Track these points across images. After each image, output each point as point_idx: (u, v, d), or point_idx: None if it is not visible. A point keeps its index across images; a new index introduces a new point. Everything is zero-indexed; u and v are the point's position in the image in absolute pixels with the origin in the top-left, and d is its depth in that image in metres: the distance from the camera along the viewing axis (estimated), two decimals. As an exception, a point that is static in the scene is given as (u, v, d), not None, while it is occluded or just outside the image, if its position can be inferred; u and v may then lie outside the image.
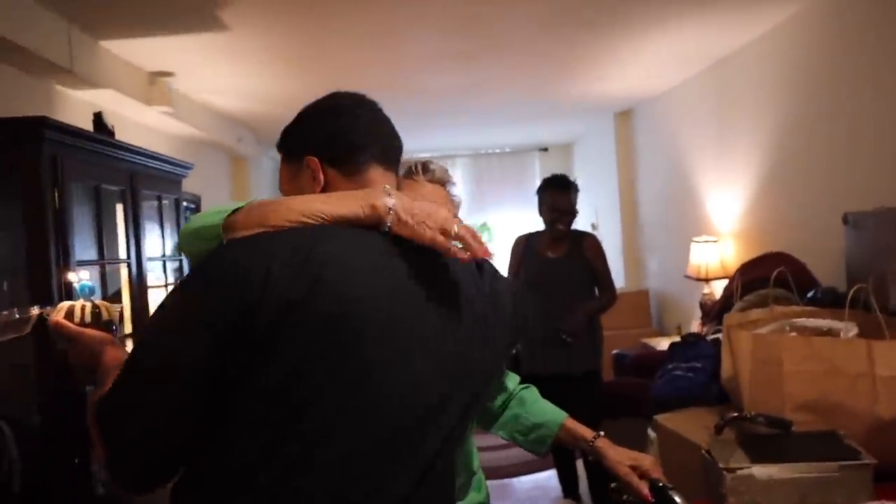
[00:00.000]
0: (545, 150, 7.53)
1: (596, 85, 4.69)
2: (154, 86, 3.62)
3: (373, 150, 0.97)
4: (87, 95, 3.21)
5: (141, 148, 2.81)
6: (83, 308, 0.99)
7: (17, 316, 1.08)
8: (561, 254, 3.19)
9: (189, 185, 4.58)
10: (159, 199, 3.02)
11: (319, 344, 0.74)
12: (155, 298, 2.86)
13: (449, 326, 0.86)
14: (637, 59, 4.01)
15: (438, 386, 0.83)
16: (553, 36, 3.53)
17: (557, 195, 3.18)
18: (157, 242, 3.00)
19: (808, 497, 1.29)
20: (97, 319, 0.99)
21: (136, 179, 2.76)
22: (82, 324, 0.97)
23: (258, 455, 0.72)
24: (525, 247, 3.34)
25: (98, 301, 1.02)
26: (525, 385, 1.42)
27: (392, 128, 1.03)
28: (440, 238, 0.84)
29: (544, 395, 2.76)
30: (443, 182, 1.25)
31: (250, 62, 3.63)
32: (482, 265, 0.97)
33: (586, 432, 1.32)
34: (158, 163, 2.98)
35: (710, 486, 1.39)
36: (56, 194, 2.20)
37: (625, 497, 1.23)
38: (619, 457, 1.24)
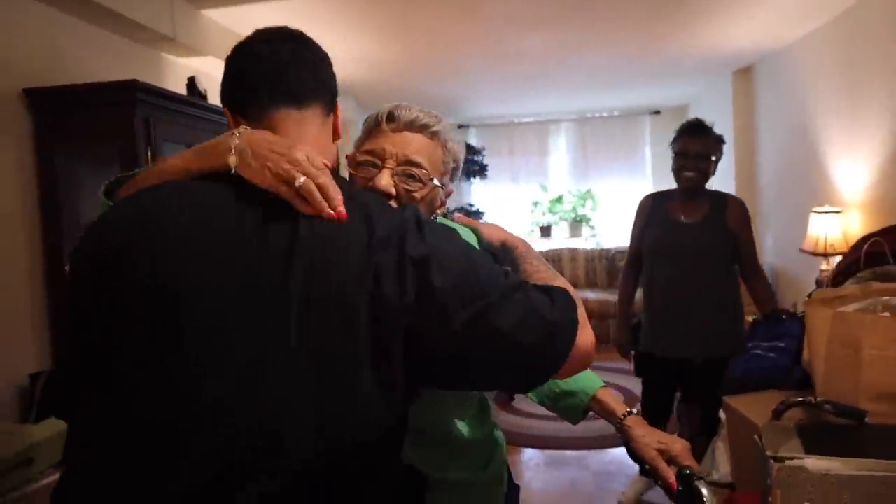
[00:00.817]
0: (657, 112, 7.07)
1: (712, 40, 4.29)
2: (254, 53, 3.78)
3: (276, 93, 0.84)
4: (192, 62, 3.42)
5: (231, 111, 2.95)
6: None
7: None
8: (696, 218, 2.59)
9: (291, 149, 4.80)
10: (251, 160, 3.17)
11: (122, 311, 0.70)
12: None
13: (270, 312, 0.68)
14: (759, 7, 3.62)
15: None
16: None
17: (687, 140, 2.62)
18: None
19: (874, 500, 1.13)
20: None
21: (227, 141, 2.91)
22: None
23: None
24: (651, 207, 2.77)
25: None
26: None
27: (314, 64, 0.89)
28: (282, 187, 0.72)
29: (662, 379, 2.62)
30: (417, 127, 1.04)
31: (343, 27, 3.69)
32: (385, 220, 0.74)
33: (617, 407, 1.22)
34: (249, 126, 3.12)
35: (759, 477, 1.25)
36: (149, 153, 2.38)
37: (658, 482, 1.14)
38: (647, 438, 1.14)
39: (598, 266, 6.82)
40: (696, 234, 2.57)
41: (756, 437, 1.30)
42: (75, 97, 2.37)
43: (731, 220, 2.59)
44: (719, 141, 2.67)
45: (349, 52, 4.29)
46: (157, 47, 3.16)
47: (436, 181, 1.05)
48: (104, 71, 2.69)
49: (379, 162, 1.02)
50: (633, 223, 2.86)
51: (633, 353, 2.86)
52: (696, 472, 1.09)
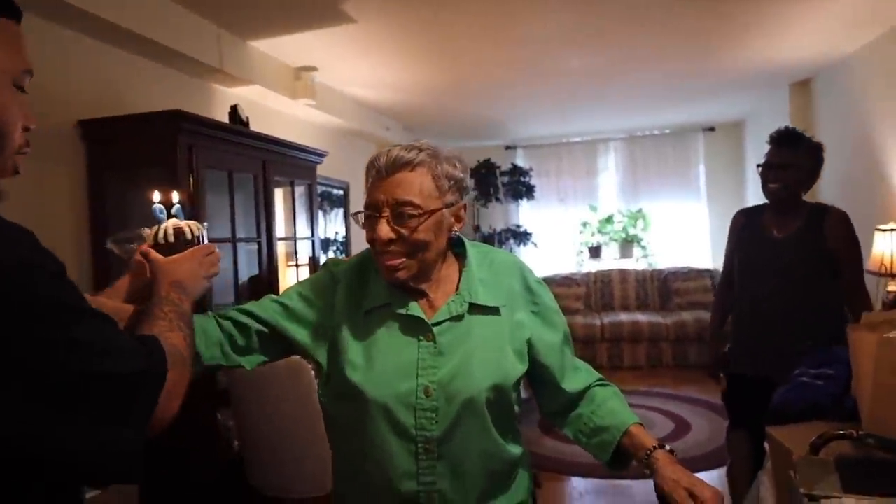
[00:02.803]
0: (711, 129, 6.86)
1: (767, 52, 4.14)
2: (299, 80, 3.90)
3: None
4: (237, 91, 3.55)
5: (271, 136, 3.04)
6: (166, 229, 1.05)
7: (140, 234, 1.12)
8: (789, 231, 2.39)
9: (338, 172, 4.91)
10: (292, 184, 3.25)
11: None
12: (286, 275, 3.10)
13: None
14: (815, 18, 3.47)
15: None
16: (706, 2, 3.18)
17: (772, 151, 2.41)
18: (290, 224, 3.25)
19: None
20: (179, 237, 1.05)
21: (268, 166, 3.00)
22: (166, 243, 1.04)
23: None
24: (743, 223, 2.58)
25: (182, 222, 1.08)
26: (602, 381, 1.26)
27: None
28: None
29: (751, 400, 2.45)
30: (398, 167, 1.07)
31: (380, 53, 3.76)
32: None
33: (647, 440, 1.14)
34: (290, 150, 3.21)
35: (792, 514, 1.16)
36: (191, 180, 2.47)
37: None
38: (676, 476, 1.05)
39: (650, 287, 6.62)
40: (788, 250, 2.37)
41: (791, 472, 1.20)
42: (124, 126, 2.49)
43: (830, 233, 2.35)
44: (814, 149, 2.44)
45: (394, 79, 4.36)
46: (205, 77, 3.30)
47: (434, 207, 1.08)
48: (153, 101, 2.83)
49: (377, 213, 1.08)
50: (726, 241, 2.70)
51: (722, 376, 2.70)
52: None
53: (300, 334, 1.15)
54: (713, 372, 2.72)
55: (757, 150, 6.24)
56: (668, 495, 1.04)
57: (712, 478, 3.42)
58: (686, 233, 6.92)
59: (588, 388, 1.23)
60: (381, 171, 1.08)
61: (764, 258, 2.43)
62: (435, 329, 1.10)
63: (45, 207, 2.39)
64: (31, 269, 0.61)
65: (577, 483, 3.47)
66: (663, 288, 6.55)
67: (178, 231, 1.05)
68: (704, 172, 6.91)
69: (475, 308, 1.13)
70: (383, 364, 1.09)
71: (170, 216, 1.10)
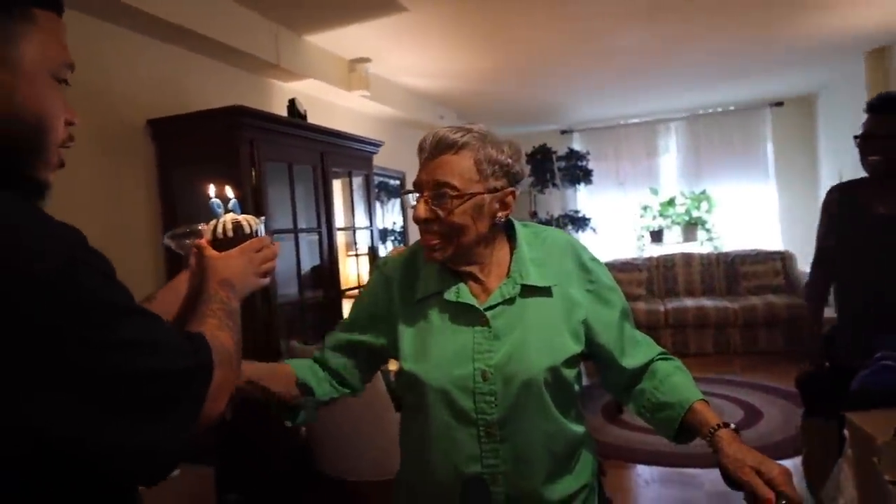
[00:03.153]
0: (779, 104, 6.53)
1: (839, 20, 3.91)
2: (353, 72, 3.95)
3: None
4: (294, 85, 3.63)
5: (329, 128, 3.10)
6: (224, 224, 1.04)
7: (197, 230, 1.12)
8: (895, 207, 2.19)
9: (394, 162, 4.96)
10: (350, 174, 3.30)
11: None
12: (346, 265, 3.16)
13: None
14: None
15: None
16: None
17: (872, 120, 2.19)
18: (348, 214, 3.30)
19: None
20: (238, 232, 1.04)
21: (326, 157, 3.05)
22: (225, 238, 1.03)
23: None
24: (839, 201, 2.36)
25: (240, 216, 1.07)
26: (664, 355, 1.23)
27: None
28: None
29: (828, 386, 2.28)
30: (442, 149, 1.08)
31: (433, 41, 3.76)
32: None
33: (711, 418, 1.10)
34: (347, 142, 3.25)
35: (877, 501, 1.10)
36: (253, 173, 2.55)
37: None
38: (741, 454, 1.01)
39: (716, 271, 6.40)
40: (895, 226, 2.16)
41: (874, 458, 1.14)
42: (189, 124, 2.59)
43: None
44: None
45: (447, 67, 4.36)
46: (263, 73, 3.38)
47: (472, 190, 1.08)
48: (214, 98, 2.92)
49: (419, 193, 1.11)
50: (819, 220, 2.49)
51: (826, 365, 2.46)
52: (795, 501, 0.95)
53: (378, 340, 1.21)
54: (816, 361, 2.48)
55: (830, 125, 5.91)
56: (734, 474, 1.00)
57: (786, 466, 3.29)
58: (754, 214, 6.64)
59: (650, 362, 1.20)
60: (426, 152, 1.10)
61: (868, 238, 2.21)
62: (488, 313, 1.11)
63: (121, 204, 2.51)
64: (79, 268, 0.61)
65: (643, 471, 3.40)
66: (730, 272, 6.31)
67: (236, 225, 1.04)
68: (772, 150, 6.60)
69: (528, 289, 1.12)
70: (439, 351, 1.10)
71: (226, 211, 1.10)
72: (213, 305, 0.87)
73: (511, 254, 1.17)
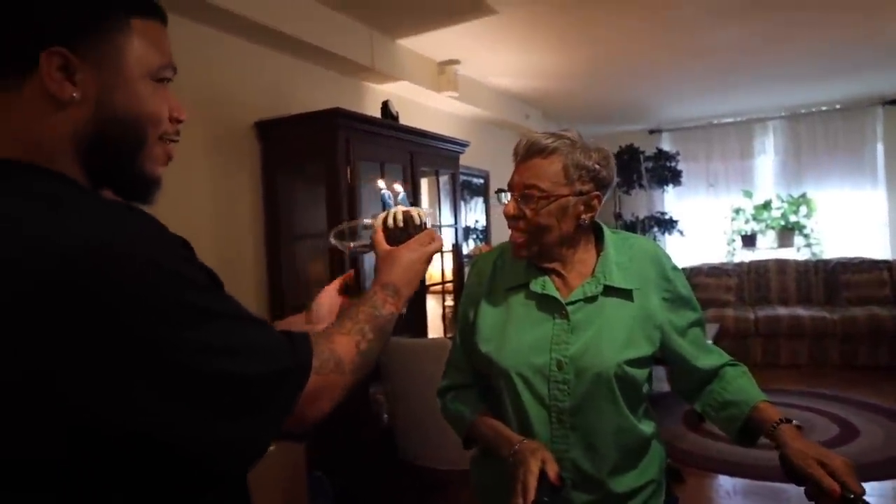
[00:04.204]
0: (892, 103, 6.09)
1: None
2: (443, 74, 4.06)
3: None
4: (387, 87, 3.78)
5: (418, 129, 3.22)
6: (395, 214, 1.04)
7: (363, 225, 1.12)
8: None
9: (479, 161, 5.04)
10: (436, 173, 3.41)
11: None
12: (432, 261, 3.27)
13: None
14: None
15: None
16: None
17: None
18: (434, 211, 3.41)
19: None
20: (408, 223, 1.03)
21: (415, 157, 3.18)
22: (395, 228, 1.02)
23: None
24: None
25: (410, 208, 1.07)
26: (733, 362, 1.29)
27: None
28: None
29: None
30: (533, 153, 1.16)
31: (522, 41, 3.80)
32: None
33: (774, 414, 1.14)
34: (435, 142, 3.37)
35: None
36: (348, 171, 2.70)
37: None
38: (804, 447, 1.04)
39: (814, 279, 6.05)
40: None
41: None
42: (291, 125, 2.77)
43: None
44: None
45: (534, 67, 4.39)
46: (358, 76, 3.55)
47: (558, 193, 1.15)
48: (314, 100, 3.11)
49: (511, 193, 1.20)
50: None
51: None
52: (859, 495, 0.95)
53: None
54: None
55: (950, 125, 5.45)
56: (798, 466, 1.02)
57: (885, 489, 3.11)
58: (859, 221, 6.22)
59: (721, 366, 1.27)
60: (520, 155, 1.19)
61: None
62: (569, 307, 1.18)
63: (231, 201, 2.74)
64: (165, 274, 0.62)
65: (725, 481, 3.31)
66: (830, 280, 5.96)
67: (406, 216, 1.03)
68: (883, 152, 6.16)
69: (610, 290, 1.19)
70: (519, 337, 1.19)
71: (395, 204, 1.12)
72: (362, 307, 0.87)
73: (597, 255, 1.23)
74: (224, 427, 0.64)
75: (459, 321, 1.35)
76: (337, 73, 3.43)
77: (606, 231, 1.27)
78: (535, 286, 1.20)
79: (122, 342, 0.58)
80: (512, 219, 1.18)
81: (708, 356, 1.27)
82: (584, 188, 1.17)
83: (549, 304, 1.19)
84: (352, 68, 3.39)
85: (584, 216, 1.19)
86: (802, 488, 1.04)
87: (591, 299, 1.18)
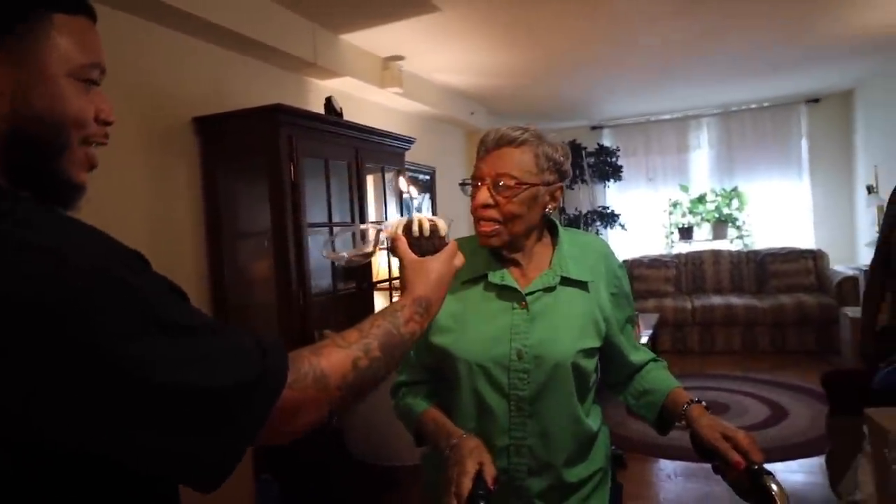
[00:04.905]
0: (815, 101, 6.43)
1: (879, 12, 3.85)
2: (387, 70, 4.04)
3: None
4: (330, 83, 3.73)
5: (364, 125, 3.20)
6: (421, 222, 0.98)
7: (364, 233, 1.06)
8: None
9: (425, 158, 5.04)
10: (382, 170, 3.40)
11: None
12: (378, 257, 3.26)
13: None
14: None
15: None
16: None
17: None
18: (380, 208, 3.40)
19: None
20: (434, 234, 0.98)
21: (361, 153, 3.15)
22: (420, 237, 0.97)
23: None
24: None
25: (433, 217, 1.01)
26: (656, 358, 1.37)
27: None
28: None
29: (854, 384, 2.24)
30: (504, 143, 1.18)
31: (465, 38, 3.82)
32: None
33: (685, 397, 1.22)
34: (381, 138, 3.35)
35: (888, 493, 1.15)
36: (292, 168, 2.66)
37: (726, 479, 1.08)
38: (710, 422, 1.12)
39: (746, 269, 6.35)
40: None
41: (886, 451, 1.19)
42: (231, 121, 2.71)
43: None
44: None
45: (478, 64, 4.42)
46: (301, 72, 3.50)
47: (530, 181, 1.17)
48: (255, 96, 3.04)
49: (479, 182, 1.20)
50: (884, 214, 2.44)
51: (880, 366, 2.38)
52: (764, 467, 1.02)
53: None
54: (870, 361, 2.42)
55: (868, 122, 5.81)
56: (705, 441, 1.09)
57: (811, 465, 3.30)
58: (786, 212, 6.56)
59: (648, 361, 1.35)
60: (489, 146, 1.20)
61: None
62: (528, 298, 1.21)
63: (168, 198, 2.65)
64: (115, 283, 0.60)
65: (666, 465, 3.45)
66: (760, 270, 6.27)
67: (433, 227, 0.97)
68: (807, 147, 6.51)
69: (566, 281, 1.23)
70: (479, 328, 1.21)
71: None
72: (379, 321, 0.83)
73: (553, 249, 1.27)
74: (185, 442, 0.62)
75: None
76: (279, 69, 3.36)
77: (560, 228, 1.31)
78: (494, 277, 1.22)
79: (70, 354, 0.56)
80: (483, 208, 1.18)
81: (638, 352, 1.35)
82: (550, 178, 1.20)
83: (508, 295, 1.22)
84: (294, 63, 3.33)
85: (549, 206, 1.23)
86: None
87: (549, 290, 1.22)
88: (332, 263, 3.02)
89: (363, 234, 1.02)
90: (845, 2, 3.62)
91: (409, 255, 0.94)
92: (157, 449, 0.61)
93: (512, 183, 1.16)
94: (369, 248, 1.01)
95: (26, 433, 0.57)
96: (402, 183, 1.15)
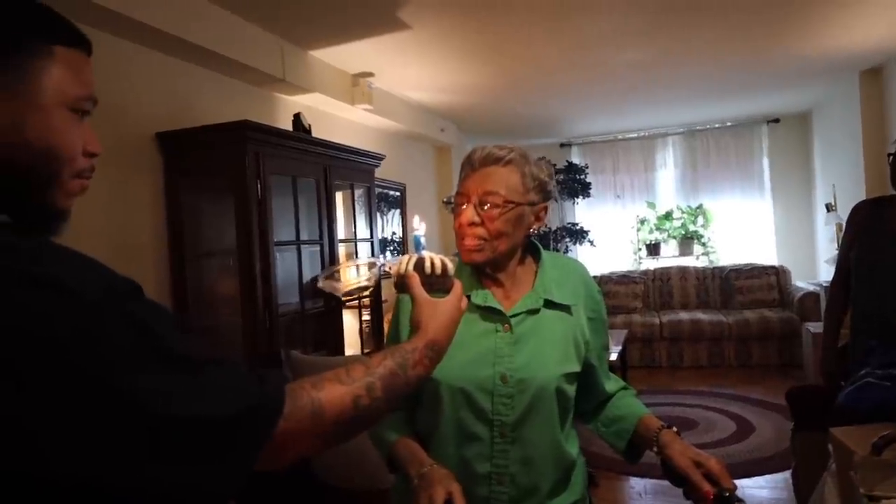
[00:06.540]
0: (776, 121, 6.63)
1: (834, 40, 4.00)
2: (357, 87, 4.03)
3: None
4: (300, 99, 3.70)
5: (333, 142, 3.17)
6: (432, 260, 0.96)
7: (365, 268, 1.05)
8: None
9: (395, 174, 5.02)
10: (352, 187, 3.37)
11: None
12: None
13: None
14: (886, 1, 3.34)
15: None
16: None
17: None
18: (350, 225, 3.37)
19: None
20: (444, 272, 0.96)
21: (330, 170, 3.12)
22: (432, 275, 0.96)
23: None
24: (866, 215, 2.32)
25: (442, 256, 0.99)
26: (626, 386, 1.36)
27: None
28: None
29: (818, 400, 2.27)
30: (490, 162, 1.17)
31: (435, 56, 3.84)
32: None
33: (656, 423, 1.21)
34: (350, 155, 3.32)
35: (853, 515, 1.16)
36: (258, 186, 2.61)
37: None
38: (681, 449, 1.12)
39: (712, 285, 6.47)
40: None
41: (852, 472, 1.20)
42: (196, 137, 2.65)
43: None
44: None
45: (448, 82, 4.44)
46: (268, 87, 3.46)
47: (517, 200, 1.16)
48: (222, 112, 2.99)
49: (465, 200, 1.17)
50: (843, 233, 2.45)
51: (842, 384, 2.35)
52: (734, 494, 1.02)
53: None
54: (832, 379, 2.43)
55: (825, 142, 6.00)
56: (676, 468, 1.09)
57: (776, 481, 3.33)
58: (749, 229, 6.72)
59: (619, 390, 1.34)
60: (475, 164, 1.18)
61: (888, 256, 2.18)
62: (512, 320, 1.18)
63: (129, 214, 2.57)
64: (113, 313, 0.60)
65: (636, 483, 3.45)
66: (725, 286, 6.38)
67: (443, 263, 0.96)
68: (768, 166, 6.69)
69: (549, 304, 1.21)
70: (460, 352, 1.15)
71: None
72: (387, 361, 0.82)
73: (535, 271, 1.25)
74: (190, 472, 0.62)
75: (390, 341, 1.32)
76: (246, 84, 3.32)
77: (542, 251, 1.29)
78: (477, 298, 1.19)
79: (78, 386, 0.56)
80: (469, 225, 1.16)
81: (610, 381, 1.33)
82: (535, 198, 1.19)
83: (491, 317, 1.19)
84: (262, 79, 3.29)
85: (534, 226, 1.21)
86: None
87: (532, 312, 1.19)
88: (300, 281, 2.98)
89: (362, 266, 1.02)
90: (799, 29, 3.75)
91: (423, 294, 0.93)
92: (162, 480, 0.61)
93: (499, 201, 1.14)
94: (370, 282, 1.00)
95: (32, 465, 0.57)
96: (416, 221, 1.13)
